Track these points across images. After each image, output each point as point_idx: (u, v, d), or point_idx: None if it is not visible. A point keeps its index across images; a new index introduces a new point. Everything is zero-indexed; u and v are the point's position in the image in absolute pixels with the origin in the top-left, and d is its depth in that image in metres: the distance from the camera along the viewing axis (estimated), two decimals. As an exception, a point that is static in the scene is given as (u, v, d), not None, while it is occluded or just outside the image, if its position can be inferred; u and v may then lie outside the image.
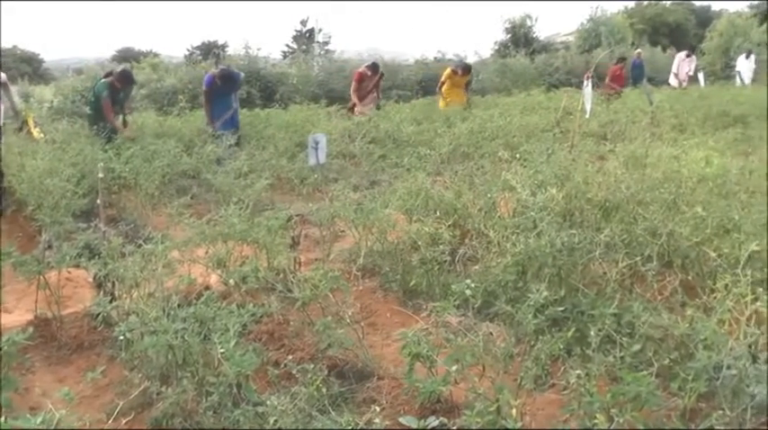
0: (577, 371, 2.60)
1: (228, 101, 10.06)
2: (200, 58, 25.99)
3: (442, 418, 2.96)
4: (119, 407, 3.12)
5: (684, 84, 18.22)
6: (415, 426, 2.93)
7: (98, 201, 5.09)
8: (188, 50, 38.46)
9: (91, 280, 4.78)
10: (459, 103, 13.42)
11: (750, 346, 2.94)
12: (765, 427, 2.64)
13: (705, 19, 42.97)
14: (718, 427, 2.54)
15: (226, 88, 9.98)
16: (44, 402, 3.14)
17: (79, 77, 17.03)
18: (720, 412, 2.57)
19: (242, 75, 11.44)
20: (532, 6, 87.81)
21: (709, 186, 5.40)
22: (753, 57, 21.30)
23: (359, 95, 12.65)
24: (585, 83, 9.80)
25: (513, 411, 2.47)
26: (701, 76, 18.52)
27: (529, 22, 34.03)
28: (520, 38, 33.16)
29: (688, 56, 18.66)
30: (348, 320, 3.68)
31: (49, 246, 4.77)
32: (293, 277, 4.17)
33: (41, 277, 4.20)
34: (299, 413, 2.72)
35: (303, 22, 39.00)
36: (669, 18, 42.27)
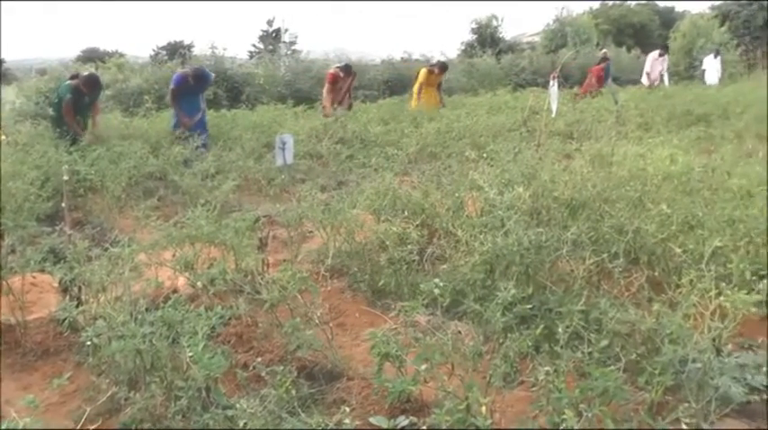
0: (546, 368, 2.62)
1: (197, 101, 9.96)
2: (165, 58, 25.79)
3: (411, 418, 2.96)
4: (86, 414, 3.07)
5: (657, 83, 18.26)
6: (385, 426, 2.93)
7: (63, 204, 5.02)
8: (154, 50, 38.06)
9: (56, 285, 4.71)
10: (433, 103, 13.41)
11: (714, 340, 2.99)
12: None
13: (669, 20, 43.49)
14: (684, 420, 2.58)
15: (196, 88, 9.92)
16: (8, 410, 3.08)
17: (43, 78, 16.71)
18: (686, 405, 2.61)
19: (212, 75, 11.35)
20: (498, 7, 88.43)
21: (673, 184, 5.48)
22: (720, 57, 21.53)
23: (333, 97, 12.61)
24: (552, 82, 9.88)
25: (483, 408, 2.48)
26: (665, 76, 18.72)
27: (495, 23, 34.24)
28: (486, 38, 33.33)
29: (661, 55, 18.71)
30: (317, 321, 3.67)
31: (12, 251, 4.70)
32: (261, 279, 4.14)
33: (5, 282, 4.14)
34: (268, 415, 2.71)
35: (269, 22, 38.78)
36: (634, 19, 42.78)
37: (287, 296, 3.67)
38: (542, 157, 6.39)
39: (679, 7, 50.42)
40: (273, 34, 37.50)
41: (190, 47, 33.01)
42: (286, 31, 33.00)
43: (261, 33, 39.14)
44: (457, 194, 5.28)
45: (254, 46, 38.22)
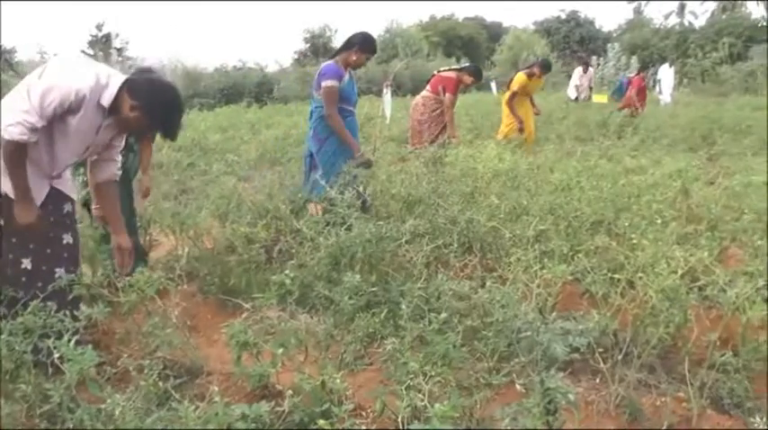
0: (392, 339, 2.88)
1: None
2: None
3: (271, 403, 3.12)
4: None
5: (583, 96, 17.34)
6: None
7: None
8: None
9: None
10: (530, 121, 10.56)
11: (540, 309, 3.38)
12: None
13: (496, 34, 45.78)
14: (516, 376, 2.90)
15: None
16: None
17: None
18: (516, 360, 2.95)
19: None
20: (330, 17, 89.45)
21: (501, 180, 5.90)
22: (673, 67, 20.68)
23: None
24: (385, 90, 10.26)
25: (338, 381, 2.66)
26: (493, 84, 19.17)
27: (328, 32, 34.80)
28: (319, 47, 33.79)
29: (585, 70, 17.74)
30: (174, 321, 3.74)
31: None
32: (117, 283, 4.12)
33: None
34: (138, 410, 2.74)
35: (99, 27, 37.32)
36: (462, 32, 44.57)
37: (145, 298, 3.69)
38: (379, 160, 6.67)
39: (507, 22, 53.19)
40: (103, 39, 36.19)
41: (12, 51, 31.22)
42: (116, 36, 32.01)
43: (90, 38, 37.64)
44: (300, 195, 5.47)
45: (83, 52, 36.70)
